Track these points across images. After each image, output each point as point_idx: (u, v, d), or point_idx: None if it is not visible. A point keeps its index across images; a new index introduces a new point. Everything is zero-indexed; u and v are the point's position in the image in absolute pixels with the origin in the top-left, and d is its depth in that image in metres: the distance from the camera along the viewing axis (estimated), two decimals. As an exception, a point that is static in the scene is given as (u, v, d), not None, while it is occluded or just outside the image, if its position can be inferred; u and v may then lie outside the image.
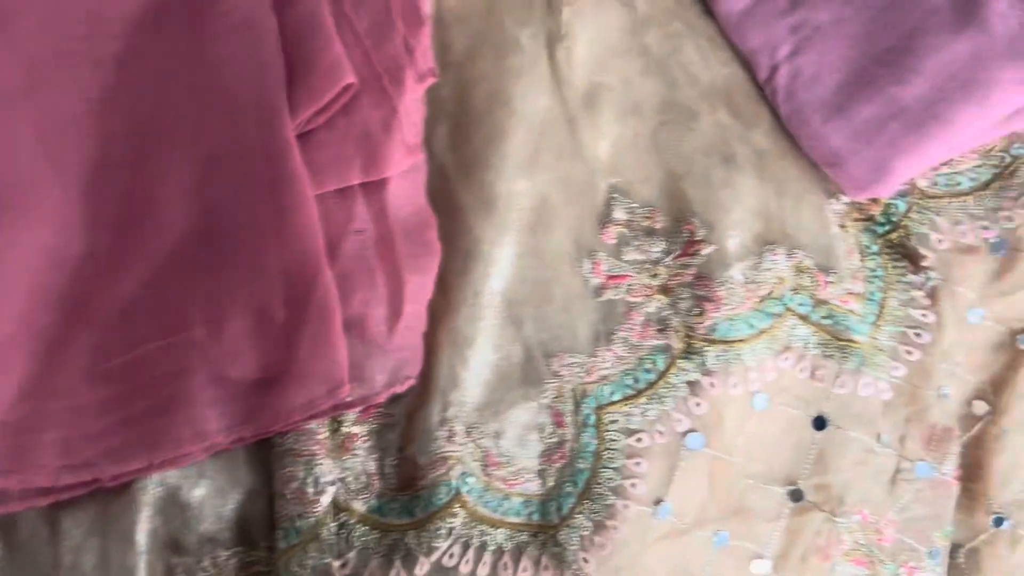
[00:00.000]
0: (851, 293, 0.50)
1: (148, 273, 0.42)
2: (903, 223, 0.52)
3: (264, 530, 0.44)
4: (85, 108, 0.44)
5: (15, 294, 0.40)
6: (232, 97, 0.43)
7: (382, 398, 0.43)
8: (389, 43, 0.45)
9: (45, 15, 0.43)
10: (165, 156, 0.43)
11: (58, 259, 0.42)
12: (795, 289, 0.50)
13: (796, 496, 0.50)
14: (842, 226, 0.52)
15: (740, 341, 0.48)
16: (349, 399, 0.42)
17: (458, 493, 0.44)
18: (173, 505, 0.42)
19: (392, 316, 0.43)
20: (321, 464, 0.43)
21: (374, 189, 0.45)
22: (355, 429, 0.44)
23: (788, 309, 0.50)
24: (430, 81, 0.46)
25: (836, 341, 0.50)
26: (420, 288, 0.44)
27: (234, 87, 0.43)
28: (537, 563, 0.46)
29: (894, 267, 0.52)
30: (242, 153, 0.42)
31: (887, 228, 0.53)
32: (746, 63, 0.53)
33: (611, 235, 0.49)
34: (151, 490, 0.42)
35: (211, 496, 0.43)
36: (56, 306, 0.41)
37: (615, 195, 0.50)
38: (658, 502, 0.47)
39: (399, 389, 0.44)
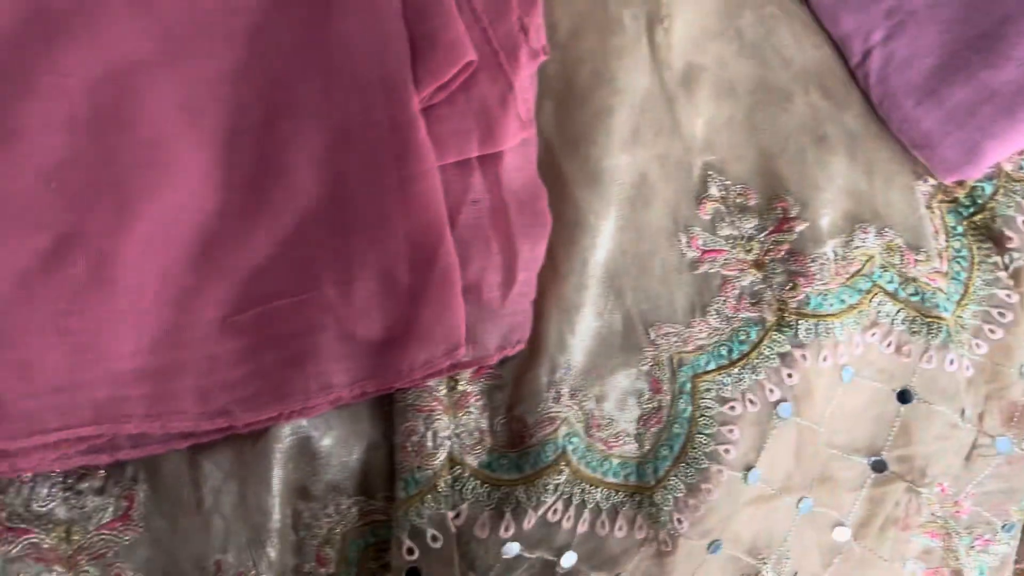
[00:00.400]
0: (938, 272, 0.52)
1: (280, 233, 0.44)
2: (989, 205, 0.54)
3: (383, 481, 0.46)
4: (219, 77, 0.46)
5: (155, 247, 0.43)
6: (359, 72, 0.45)
7: (494, 360, 0.45)
8: (505, 21, 0.47)
9: None
10: (296, 125, 0.45)
11: (194, 216, 0.44)
12: (884, 266, 0.51)
13: (879, 467, 0.52)
14: (928, 207, 0.53)
15: (831, 315, 0.50)
16: (464, 360, 0.44)
17: (563, 452, 0.46)
18: (304, 454, 0.45)
19: (506, 283, 0.46)
20: (440, 419, 0.45)
21: (490, 162, 0.47)
22: (469, 388, 0.46)
23: (876, 285, 0.51)
24: (542, 58, 0.47)
25: (923, 318, 0.51)
26: (532, 256, 0.46)
27: (361, 62, 0.46)
28: (632, 522, 0.48)
29: (979, 248, 0.53)
30: (370, 125, 0.45)
31: (972, 210, 0.54)
32: (838, 47, 0.54)
33: (707, 211, 0.51)
34: (285, 439, 0.44)
35: (338, 447, 0.46)
36: (191, 260, 0.43)
37: (710, 172, 0.52)
38: (749, 468, 0.49)
39: (510, 352, 0.46)
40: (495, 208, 0.46)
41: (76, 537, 0.43)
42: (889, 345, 0.52)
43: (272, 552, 0.44)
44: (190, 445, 0.43)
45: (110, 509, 0.44)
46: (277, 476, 0.44)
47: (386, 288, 0.43)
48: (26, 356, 0.40)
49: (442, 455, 0.45)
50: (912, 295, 0.51)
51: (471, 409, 0.46)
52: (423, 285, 0.43)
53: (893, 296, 0.51)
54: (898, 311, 0.51)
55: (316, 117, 0.45)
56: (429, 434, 0.45)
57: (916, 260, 0.52)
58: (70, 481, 0.44)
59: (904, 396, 0.52)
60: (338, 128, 0.45)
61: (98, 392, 0.41)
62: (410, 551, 0.45)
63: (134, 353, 0.41)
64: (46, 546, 0.43)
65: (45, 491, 0.43)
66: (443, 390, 0.46)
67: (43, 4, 0.44)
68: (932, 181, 0.54)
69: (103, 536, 0.44)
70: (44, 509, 0.43)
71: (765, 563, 0.51)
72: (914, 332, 0.51)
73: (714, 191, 0.51)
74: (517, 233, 0.46)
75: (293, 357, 0.42)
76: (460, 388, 0.46)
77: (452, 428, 0.46)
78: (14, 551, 0.42)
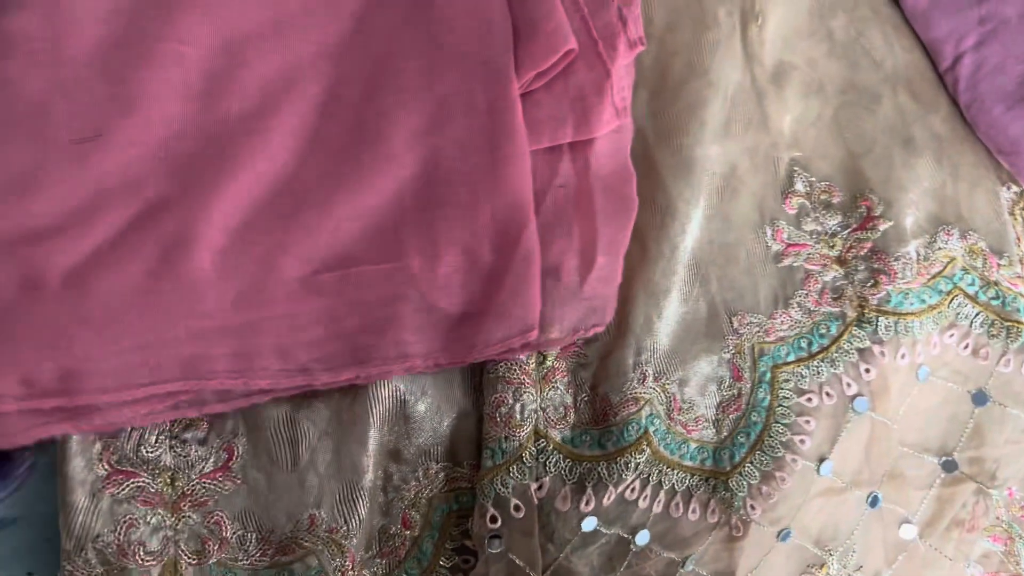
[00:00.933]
0: (1019, 277, 0.52)
1: (371, 201, 0.45)
2: (1071, 214, 0.54)
3: (470, 449, 0.48)
4: (323, 51, 0.47)
5: (242, 206, 0.44)
6: (462, 53, 0.47)
7: (567, 341, 0.46)
8: (605, 11, 0.48)
9: None
10: (397, 99, 0.46)
11: (284, 178, 0.45)
12: (965, 269, 0.52)
13: (949, 467, 0.53)
14: (1011, 213, 0.54)
15: (911, 314, 0.51)
16: (538, 341, 0.45)
17: (646, 432, 0.47)
18: (399, 417, 0.46)
19: (584, 266, 0.46)
20: (528, 392, 0.46)
21: (581, 147, 0.48)
22: (557, 364, 0.48)
23: (957, 287, 0.52)
24: (639, 49, 0.48)
25: (1003, 321, 0.52)
26: (614, 241, 0.47)
27: (464, 43, 0.47)
28: (706, 506, 0.49)
29: (1060, 255, 0.54)
30: (469, 105, 0.46)
31: (1053, 218, 0.55)
32: (928, 51, 0.55)
33: (792, 205, 0.52)
34: (383, 401, 0.46)
35: (431, 412, 0.47)
36: (279, 218, 0.44)
37: (796, 168, 0.53)
38: (822, 459, 0.50)
39: (586, 335, 0.47)
40: (580, 193, 0.47)
41: (180, 483, 0.45)
42: (966, 347, 0.52)
43: (362, 510, 0.45)
44: (290, 397, 0.45)
45: (211, 459, 0.45)
46: (373, 437, 0.46)
47: (469, 264, 0.44)
48: (115, 314, 0.41)
49: (528, 427, 0.46)
50: (993, 299, 0.52)
51: (557, 385, 0.48)
52: (505, 265, 0.44)
53: (973, 299, 0.52)
54: (977, 314, 0.52)
55: (417, 93, 0.46)
56: (517, 406, 0.46)
57: (999, 264, 0.52)
58: (176, 430, 0.45)
59: (979, 398, 0.52)
60: (438, 105, 0.46)
61: (184, 349, 0.42)
62: (493, 519, 0.46)
63: (217, 311, 0.42)
64: (152, 490, 0.44)
65: (153, 438, 0.45)
66: (532, 364, 0.47)
67: None
68: (1016, 188, 0.54)
69: (205, 485, 0.45)
70: (151, 455, 0.45)
71: (831, 555, 0.51)
72: (992, 335, 0.52)
73: (799, 186, 0.52)
74: (600, 218, 0.46)
75: (374, 323, 0.43)
76: (548, 363, 0.47)
77: (539, 402, 0.47)
78: (122, 493, 0.44)
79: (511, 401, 0.46)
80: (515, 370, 0.46)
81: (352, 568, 0.45)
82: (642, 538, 0.48)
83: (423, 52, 0.47)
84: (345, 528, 0.45)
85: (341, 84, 0.47)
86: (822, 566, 0.52)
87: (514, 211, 0.45)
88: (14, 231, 0.41)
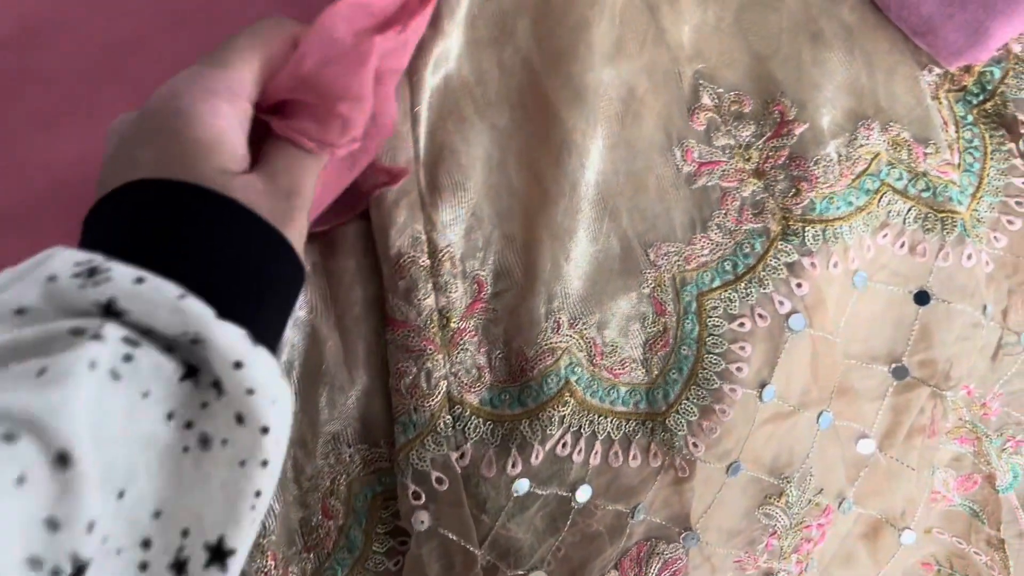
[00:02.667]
0: (949, 164, 0.49)
1: None
2: (999, 91, 0.51)
3: (383, 427, 0.45)
4: None
5: None
6: None
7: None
8: None
9: None
10: None
11: None
12: (891, 163, 0.49)
13: (900, 373, 0.50)
14: (935, 98, 0.50)
15: (839, 219, 0.48)
16: None
17: (567, 382, 0.44)
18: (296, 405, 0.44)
19: None
20: (432, 358, 0.43)
21: None
22: (463, 324, 0.45)
23: (885, 184, 0.49)
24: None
25: (936, 214, 0.49)
26: None
27: None
28: (646, 450, 0.46)
29: (991, 136, 0.51)
30: None
31: (982, 97, 0.51)
32: (827, -64, 0.51)
33: (700, 121, 0.49)
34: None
35: (330, 395, 0.44)
36: None
37: (701, 81, 0.49)
38: (763, 385, 0.47)
39: None
40: None
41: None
42: (902, 246, 0.49)
43: (276, 506, 0.43)
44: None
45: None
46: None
47: None
48: None
49: (439, 395, 0.44)
50: (923, 191, 0.49)
51: (466, 346, 0.44)
52: None
53: (903, 193, 0.49)
54: (909, 209, 0.49)
55: None
56: (423, 375, 0.43)
57: (925, 153, 0.49)
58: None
59: (921, 298, 0.49)
60: None
61: None
62: (416, 495, 0.43)
63: None
64: None
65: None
66: (435, 328, 0.44)
67: None
68: (938, 70, 0.51)
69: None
70: None
71: (789, 482, 0.49)
72: (928, 230, 0.49)
73: (707, 100, 0.49)
74: None
75: None
76: (453, 325, 0.44)
77: (447, 367, 0.44)
78: None
79: (415, 370, 0.43)
80: (414, 337, 0.43)
81: (276, 567, 0.43)
82: (583, 494, 0.45)
83: None
84: (260, 527, 0.42)
85: None
86: (780, 495, 0.49)
87: None
88: None
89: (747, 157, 0.48)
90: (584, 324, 0.45)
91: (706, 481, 0.47)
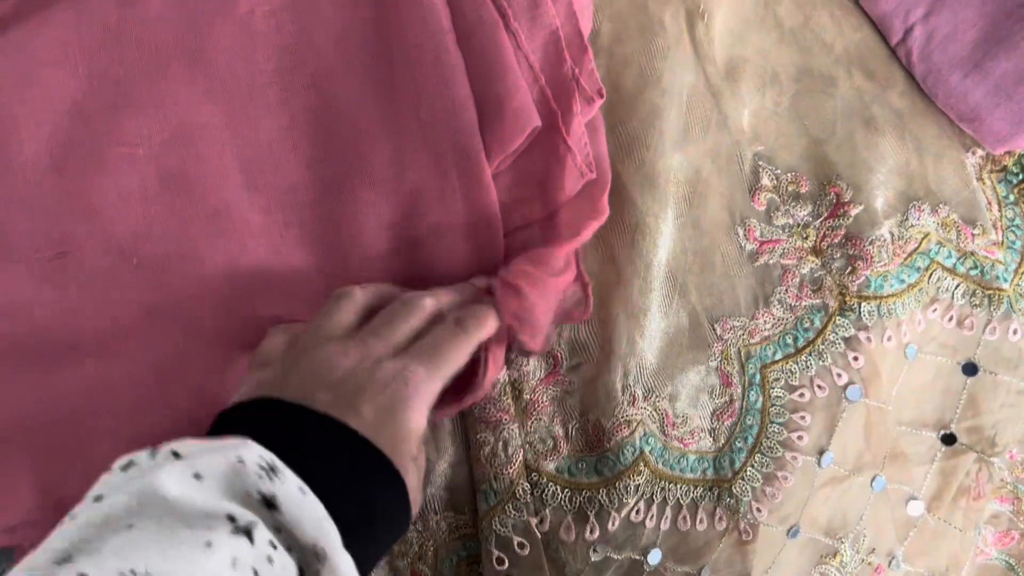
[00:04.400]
0: (994, 243, 0.52)
1: None
2: (1039, 171, 0.54)
3: (467, 496, 0.47)
4: (278, 136, 0.45)
5: (236, 311, 0.43)
6: (430, 135, 0.44)
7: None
8: (559, 73, 0.46)
9: (239, 51, 0.45)
10: (366, 185, 0.45)
11: (268, 276, 0.44)
12: (940, 243, 0.52)
13: (948, 440, 0.53)
14: (979, 179, 0.54)
15: (892, 296, 0.51)
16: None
17: (642, 453, 0.47)
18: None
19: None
20: (508, 428, 0.46)
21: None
22: (536, 395, 0.47)
23: (934, 262, 0.52)
24: (598, 103, 0.47)
25: (984, 290, 0.52)
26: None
27: (432, 125, 0.44)
28: (712, 515, 0.49)
29: (1032, 215, 0.54)
30: (443, 192, 0.44)
31: (1022, 177, 0.54)
32: (877, 26, 0.54)
33: (761, 201, 0.52)
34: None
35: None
36: (268, 323, 0.44)
37: (760, 162, 0.52)
38: (822, 452, 0.50)
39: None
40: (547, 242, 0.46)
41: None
42: (951, 319, 0.52)
43: (370, 572, 0.45)
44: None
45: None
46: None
47: None
48: (132, 429, 0.41)
49: (516, 463, 0.46)
50: (971, 269, 0.52)
51: (541, 416, 0.47)
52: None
53: (952, 271, 0.52)
54: (957, 285, 0.52)
55: (389, 184, 0.45)
56: (500, 444, 0.46)
57: (973, 234, 0.52)
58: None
59: (969, 369, 0.52)
60: (411, 195, 0.45)
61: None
62: (500, 560, 0.46)
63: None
64: None
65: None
66: (509, 400, 0.47)
67: (108, 73, 0.44)
68: (981, 152, 0.54)
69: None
70: None
71: (843, 542, 0.52)
72: (975, 305, 0.52)
73: (766, 181, 0.52)
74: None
75: None
76: (525, 397, 0.47)
77: (523, 436, 0.47)
78: None
79: (493, 440, 0.46)
80: (490, 409, 0.46)
81: (368, 629, 0.45)
82: (654, 557, 0.48)
83: (391, 132, 0.45)
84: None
85: (302, 169, 0.46)
86: (835, 554, 0.52)
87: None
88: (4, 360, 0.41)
89: (805, 236, 0.51)
90: (657, 396, 0.48)
91: (768, 543, 0.49)
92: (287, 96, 0.46)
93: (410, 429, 0.36)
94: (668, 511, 0.48)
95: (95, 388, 0.41)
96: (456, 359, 0.39)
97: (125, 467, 0.29)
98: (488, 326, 0.41)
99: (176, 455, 0.29)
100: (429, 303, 0.40)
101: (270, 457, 0.30)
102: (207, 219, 0.44)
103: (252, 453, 0.30)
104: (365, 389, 0.36)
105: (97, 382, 0.41)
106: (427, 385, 0.37)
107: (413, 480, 0.36)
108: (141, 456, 0.29)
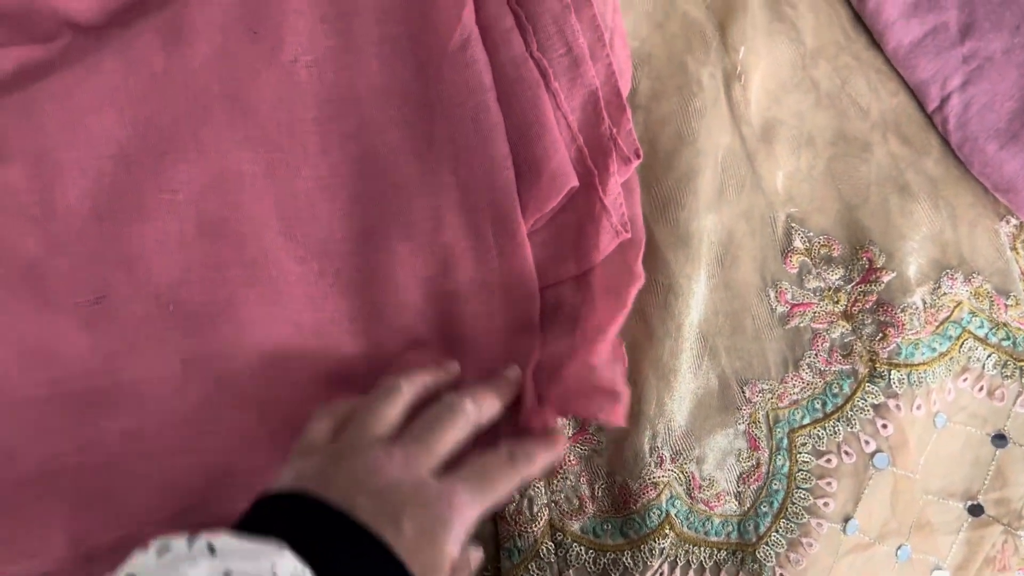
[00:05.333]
0: (1028, 314, 0.52)
1: (392, 348, 0.44)
2: (1073, 243, 0.54)
3: (490, 552, 0.47)
4: (316, 185, 0.45)
5: (273, 364, 0.43)
6: (468, 192, 0.45)
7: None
8: (597, 132, 0.46)
9: (281, 100, 0.46)
10: (402, 238, 0.45)
11: (304, 328, 0.44)
12: (973, 312, 0.52)
13: (975, 511, 0.52)
14: (1013, 248, 0.53)
15: (923, 365, 0.50)
16: None
17: (668, 516, 0.47)
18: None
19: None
20: (534, 486, 0.46)
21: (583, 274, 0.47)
22: (564, 454, 0.47)
23: (966, 331, 0.51)
24: (634, 164, 0.47)
25: (1016, 362, 0.51)
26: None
27: (470, 182, 0.45)
28: (735, 578, 0.48)
29: (1066, 286, 0.53)
30: (479, 249, 0.45)
31: (1056, 248, 0.54)
32: (913, 93, 0.54)
33: (793, 264, 0.52)
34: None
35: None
36: (311, 376, 0.44)
37: (793, 224, 0.52)
38: (847, 519, 0.49)
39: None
40: (585, 308, 0.46)
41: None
42: (981, 390, 0.52)
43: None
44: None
45: None
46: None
47: None
48: (164, 478, 0.41)
49: (541, 521, 0.46)
50: (1003, 339, 0.52)
51: (568, 475, 0.47)
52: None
53: (984, 341, 0.52)
54: (989, 355, 0.52)
55: (424, 233, 0.45)
56: (525, 502, 0.46)
57: (1006, 305, 0.52)
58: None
59: (999, 440, 0.52)
60: (446, 250, 0.45)
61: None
62: (523, 619, 0.45)
63: (268, 466, 0.42)
64: None
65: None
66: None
67: (153, 120, 0.44)
68: (1015, 220, 0.54)
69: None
70: None
71: (866, 610, 0.51)
72: (1006, 376, 0.52)
73: (798, 243, 0.52)
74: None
75: None
76: (554, 455, 0.47)
77: (549, 495, 0.47)
78: None
79: (518, 497, 0.46)
80: (517, 467, 0.46)
81: None
82: (675, 618, 0.47)
83: (428, 187, 0.46)
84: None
85: (339, 221, 0.46)
86: (858, 622, 0.51)
87: (526, 349, 0.45)
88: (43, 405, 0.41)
89: (836, 300, 0.51)
90: (685, 459, 0.48)
91: (790, 609, 0.49)
92: (327, 146, 0.46)
93: (445, 554, 0.35)
94: (692, 573, 0.48)
95: (129, 435, 0.41)
96: (501, 491, 0.39)
97: (160, 552, 0.29)
98: (538, 464, 0.41)
99: (212, 550, 0.29)
100: (471, 409, 0.40)
101: (302, 570, 0.30)
102: (243, 266, 0.44)
103: (287, 564, 0.30)
104: (407, 504, 0.35)
105: (132, 429, 0.41)
106: (470, 511, 0.37)
107: None
108: (179, 544, 0.29)
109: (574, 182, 0.44)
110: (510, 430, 0.43)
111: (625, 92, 0.49)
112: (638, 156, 0.47)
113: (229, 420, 0.42)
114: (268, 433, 0.43)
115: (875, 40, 0.55)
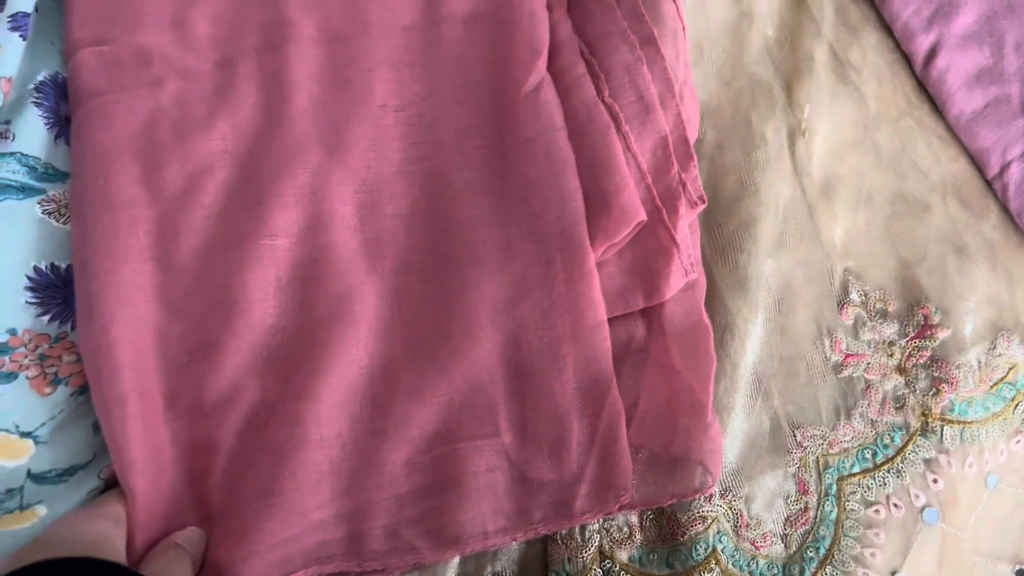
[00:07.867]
0: (1083, 381, 0.52)
1: (462, 376, 0.45)
2: None
3: (539, 573, 0.48)
4: (397, 222, 0.48)
5: (344, 400, 0.45)
6: (538, 222, 0.46)
7: (665, 503, 0.46)
8: (666, 176, 0.48)
9: (371, 143, 0.49)
10: (473, 266, 0.47)
11: (379, 361, 0.46)
12: (1028, 375, 0.52)
13: (1024, 576, 0.52)
14: (1069, 314, 0.54)
15: (976, 422, 0.51)
16: (632, 502, 0.46)
17: (714, 551, 0.47)
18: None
19: (665, 430, 0.46)
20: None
21: (653, 310, 0.49)
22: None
23: (1020, 393, 0.52)
24: (700, 207, 0.49)
25: (1070, 427, 0.52)
26: (700, 400, 0.46)
27: (541, 212, 0.46)
28: (778, 623, 0.48)
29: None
30: (547, 277, 0.46)
31: (1113, 319, 0.55)
32: (973, 159, 0.56)
33: (848, 315, 0.53)
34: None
35: (502, 538, 0.48)
36: (377, 407, 0.45)
37: (850, 278, 0.53)
38: (894, 572, 0.49)
39: (688, 496, 0.46)
40: (658, 352, 0.48)
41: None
42: (1034, 453, 0.52)
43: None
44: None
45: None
46: (451, 566, 0.46)
47: (557, 434, 0.45)
48: (243, 523, 0.42)
49: (591, 548, 0.47)
50: (1058, 404, 0.52)
51: None
52: (592, 433, 0.45)
53: (1038, 404, 0.52)
54: (1043, 420, 0.52)
55: (493, 263, 0.47)
56: (577, 527, 0.47)
57: (1061, 369, 0.52)
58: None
59: (1050, 505, 0.52)
60: (516, 277, 0.47)
61: (306, 540, 0.42)
62: (565, 643, 0.46)
63: (332, 500, 0.43)
64: None
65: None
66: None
67: (256, 171, 0.47)
68: (1071, 289, 0.55)
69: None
70: None
71: (909, 668, 0.50)
72: (1060, 441, 0.52)
73: (855, 296, 0.53)
74: (682, 375, 0.47)
75: (469, 494, 0.44)
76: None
77: (601, 522, 0.48)
78: None
79: None
80: (578, 492, 0.47)
81: None
82: (716, 657, 0.48)
83: (500, 218, 0.48)
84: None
85: (414, 254, 0.48)
86: None
87: (597, 380, 0.45)
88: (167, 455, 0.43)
89: (891, 353, 0.52)
90: (734, 496, 0.49)
91: (832, 660, 0.49)
92: (410, 185, 0.49)
93: None
94: (734, 613, 0.48)
95: (225, 486, 0.43)
96: None
97: None
98: None
99: None
100: None
101: None
102: (328, 304, 0.46)
103: None
104: None
105: (228, 478, 0.43)
106: None
107: None
108: None
109: (642, 216, 0.46)
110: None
111: (692, 139, 0.51)
112: (703, 201, 0.49)
113: (299, 463, 0.43)
114: (332, 464, 0.44)
115: (937, 107, 0.57)
